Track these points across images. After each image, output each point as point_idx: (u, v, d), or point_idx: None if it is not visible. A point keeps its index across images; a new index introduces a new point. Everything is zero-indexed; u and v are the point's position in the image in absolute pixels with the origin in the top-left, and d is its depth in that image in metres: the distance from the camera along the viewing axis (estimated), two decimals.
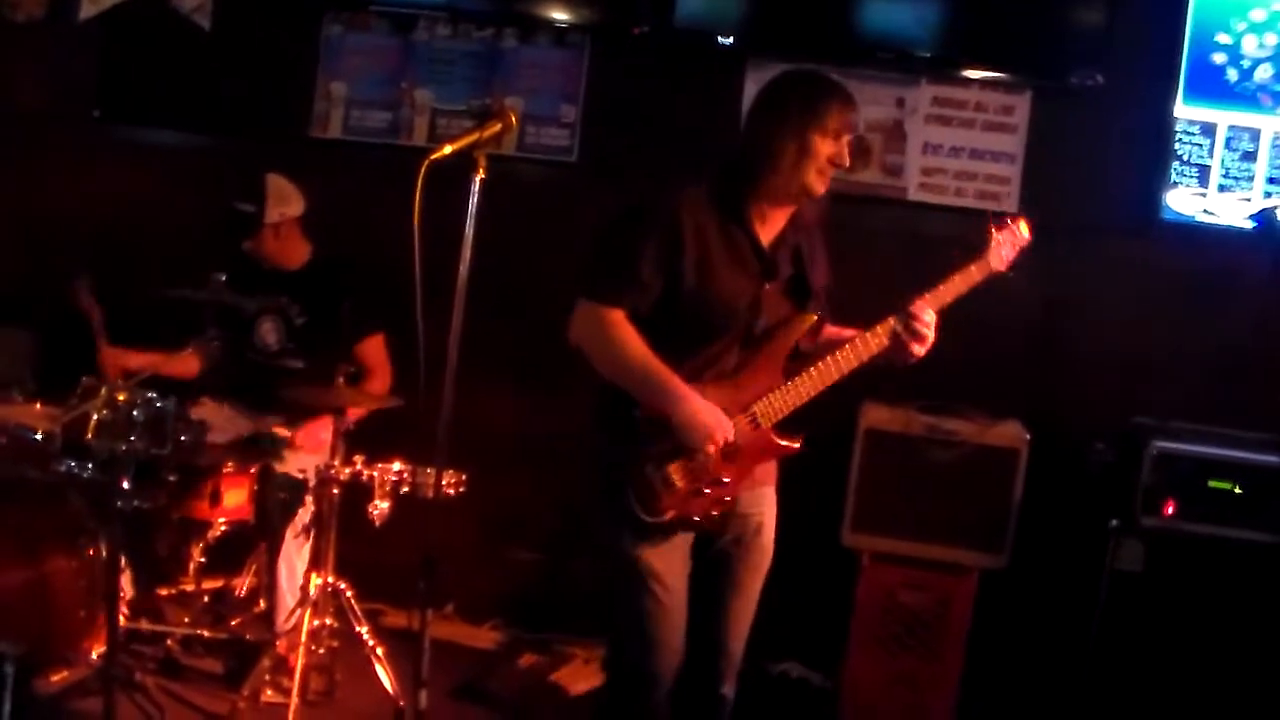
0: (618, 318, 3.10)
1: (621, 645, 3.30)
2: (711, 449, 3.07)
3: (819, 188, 3.12)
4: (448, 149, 3.06)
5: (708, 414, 3.06)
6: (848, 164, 3.14)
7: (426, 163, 2.98)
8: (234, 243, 4.71)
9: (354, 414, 4.49)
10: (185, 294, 4.41)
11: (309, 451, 4.54)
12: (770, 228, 3.19)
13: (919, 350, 3.17)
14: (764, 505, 3.32)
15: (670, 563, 3.19)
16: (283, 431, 4.61)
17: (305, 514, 4.41)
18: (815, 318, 3.24)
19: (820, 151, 3.08)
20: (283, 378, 4.65)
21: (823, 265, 3.31)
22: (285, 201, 4.72)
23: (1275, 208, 3.63)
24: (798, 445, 3.20)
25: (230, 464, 4.40)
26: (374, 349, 4.71)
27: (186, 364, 4.75)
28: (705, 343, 3.15)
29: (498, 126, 3.13)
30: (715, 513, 3.18)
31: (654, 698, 3.23)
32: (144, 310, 4.76)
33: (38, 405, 4.27)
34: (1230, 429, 4.39)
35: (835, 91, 3.13)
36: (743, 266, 3.14)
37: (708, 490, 3.13)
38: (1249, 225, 3.22)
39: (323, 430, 4.53)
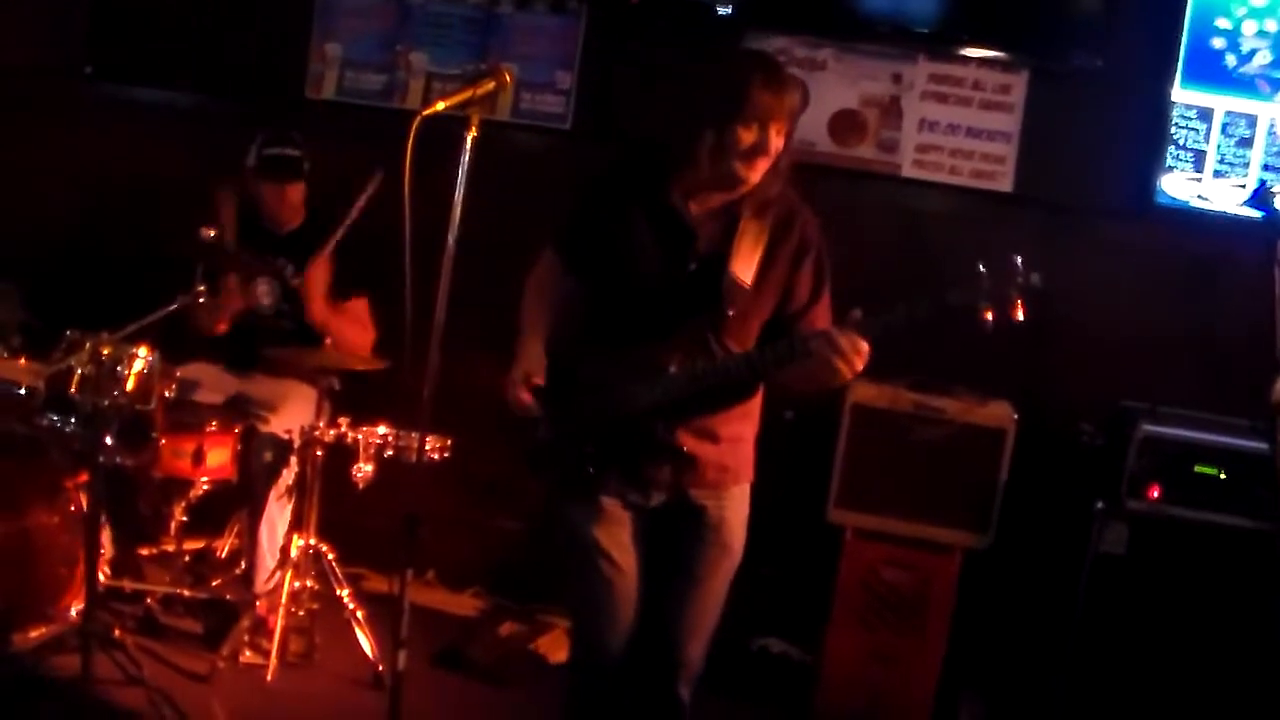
0: (546, 255, 3.29)
1: (574, 619, 3.34)
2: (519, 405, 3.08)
3: (746, 175, 2.97)
4: (440, 105, 3.02)
5: (518, 368, 3.13)
6: (771, 154, 2.95)
7: (419, 118, 2.93)
8: (274, 188, 4.70)
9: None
10: (191, 251, 4.41)
11: (293, 414, 4.52)
12: (705, 204, 3.07)
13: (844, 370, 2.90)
14: (725, 503, 3.17)
15: (615, 537, 3.12)
16: (266, 408, 4.59)
17: (289, 475, 4.39)
18: (728, 314, 3.02)
19: (742, 140, 2.93)
20: (274, 338, 4.63)
21: (779, 269, 3.08)
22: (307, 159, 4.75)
23: (1275, 194, 3.60)
24: None
25: (214, 423, 4.38)
26: (358, 310, 4.68)
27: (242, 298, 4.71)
28: (627, 327, 3.09)
29: (491, 85, 3.09)
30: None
31: (604, 671, 3.18)
32: (136, 268, 4.74)
33: (22, 360, 4.25)
34: (1218, 414, 4.38)
35: (760, 76, 2.94)
36: (662, 245, 3.06)
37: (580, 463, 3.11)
38: (1245, 205, 3.20)
39: (308, 399, 4.52)
